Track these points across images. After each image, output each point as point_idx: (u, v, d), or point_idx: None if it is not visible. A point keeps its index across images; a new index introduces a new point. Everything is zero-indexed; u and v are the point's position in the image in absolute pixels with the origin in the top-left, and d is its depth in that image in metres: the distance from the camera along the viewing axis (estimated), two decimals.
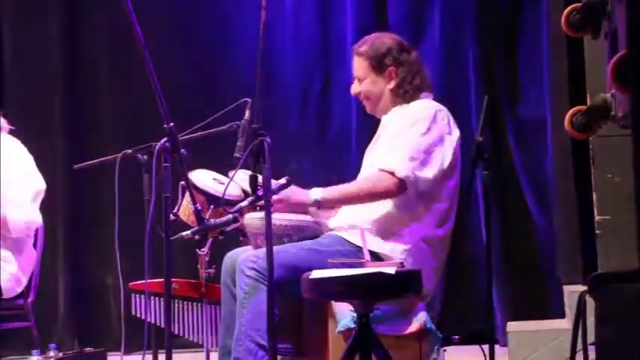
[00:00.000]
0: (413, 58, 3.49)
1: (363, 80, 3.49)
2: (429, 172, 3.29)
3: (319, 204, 3.32)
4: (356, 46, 3.53)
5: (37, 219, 4.07)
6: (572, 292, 4.18)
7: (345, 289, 2.89)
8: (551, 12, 4.88)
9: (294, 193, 3.31)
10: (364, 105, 3.56)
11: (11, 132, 4.21)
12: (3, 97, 4.16)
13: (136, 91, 5.23)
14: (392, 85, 3.45)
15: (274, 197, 3.18)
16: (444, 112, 3.39)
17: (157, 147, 2.84)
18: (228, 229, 3.48)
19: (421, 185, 3.28)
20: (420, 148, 3.28)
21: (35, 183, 4.09)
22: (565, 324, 4.31)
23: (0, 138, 4.08)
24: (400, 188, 3.26)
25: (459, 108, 5.10)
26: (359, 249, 3.18)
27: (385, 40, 3.49)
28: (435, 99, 3.50)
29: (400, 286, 2.91)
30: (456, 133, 3.39)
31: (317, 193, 3.32)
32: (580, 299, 3.03)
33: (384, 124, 3.50)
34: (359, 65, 3.50)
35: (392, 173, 3.25)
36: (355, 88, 3.54)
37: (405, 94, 3.44)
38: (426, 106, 3.40)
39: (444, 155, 3.32)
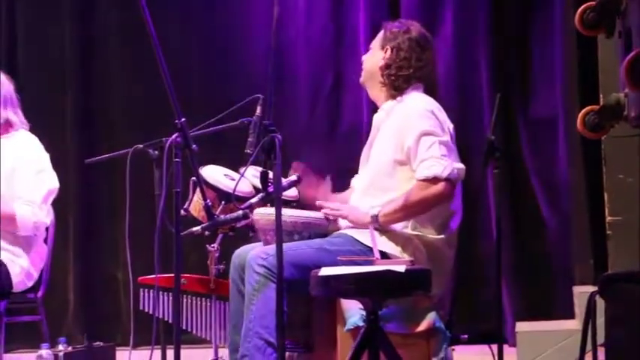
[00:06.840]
0: (420, 53, 3.43)
1: (371, 49, 3.56)
2: (460, 163, 3.29)
3: (376, 218, 3.26)
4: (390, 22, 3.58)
5: (46, 219, 4.05)
6: (582, 292, 4.16)
7: (354, 286, 2.88)
8: (564, 10, 4.86)
9: (353, 214, 3.33)
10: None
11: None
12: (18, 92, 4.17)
13: (147, 87, 5.23)
14: (381, 63, 3.45)
15: (334, 212, 3.28)
16: (437, 105, 3.38)
17: (168, 142, 2.85)
18: (239, 225, 3.49)
19: (462, 176, 3.28)
20: (441, 143, 3.25)
21: (48, 182, 4.07)
22: (575, 324, 4.29)
23: (19, 134, 4.10)
24: (451, 188, 3.23)
25: (471, 106, 5.11)
26: (370, 249, 3.17)
27: (410, 27, 3.50)
28: (446, 97, 3.47)
29: (409, 284, 2.90)
30: (450, 125, 3.39)
31: (373, 210, 3.28)
32: (590, 300, 3.02)
33: (376, 125, 3.47)
34: (377, 36, 3.56)
35: (435, 178, 3.21)
36: (365, 55, 3.60)
37: (392, 81, 3.41)
38: (423, 105, 3.35)
39: (454, 145, 3.33)
